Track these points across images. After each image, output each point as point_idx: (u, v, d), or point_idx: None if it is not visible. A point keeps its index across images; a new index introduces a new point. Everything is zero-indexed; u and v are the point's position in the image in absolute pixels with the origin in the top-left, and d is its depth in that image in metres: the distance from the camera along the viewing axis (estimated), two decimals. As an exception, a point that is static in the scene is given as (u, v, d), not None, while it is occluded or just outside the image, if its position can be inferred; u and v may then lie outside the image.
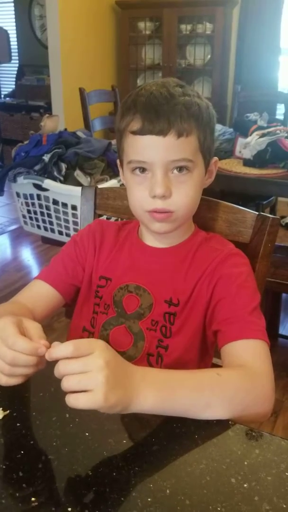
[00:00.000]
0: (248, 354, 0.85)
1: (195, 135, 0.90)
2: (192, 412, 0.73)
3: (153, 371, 0.75)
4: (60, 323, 2.65)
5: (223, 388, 0.75)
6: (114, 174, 2.50)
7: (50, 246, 3.29)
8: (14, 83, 5.99)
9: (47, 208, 2.48)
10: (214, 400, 0.74)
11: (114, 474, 0.63)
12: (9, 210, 4.50)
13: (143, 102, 0.89)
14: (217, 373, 0.77)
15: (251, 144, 2.45)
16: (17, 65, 5.96)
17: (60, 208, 2.41)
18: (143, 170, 0.92)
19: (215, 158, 1.00)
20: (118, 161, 1.03)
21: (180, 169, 0.90)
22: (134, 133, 0.90)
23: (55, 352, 0.65)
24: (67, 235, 2.48)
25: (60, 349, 0.65)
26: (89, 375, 0.63)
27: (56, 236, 2.56)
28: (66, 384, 0.64)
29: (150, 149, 0.89)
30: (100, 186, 2.32)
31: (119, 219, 1.22)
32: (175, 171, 0.90)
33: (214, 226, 1.09)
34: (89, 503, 0.59)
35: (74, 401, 0.63)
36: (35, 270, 3.50)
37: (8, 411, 0.74)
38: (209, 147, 0.94)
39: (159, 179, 0.89)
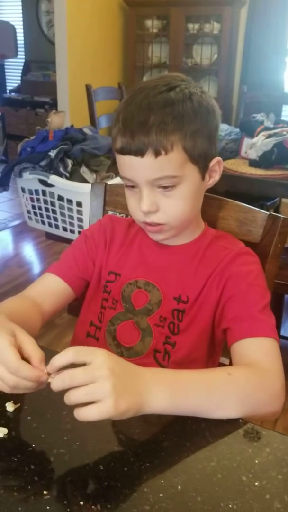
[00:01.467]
0: (258, 352, 0.85)
1: (179, 148, 0.86)
2: (203, 412, 0.73)
3: (163, 371, 0.75)
4: (62, 319, 2.65)
5: (233, 388, 0.75)
6: (120, 171, 2.50)
7: (53, 242, 3.29)
8: (20, 78, 5.98)
9: (52, 204, 2.49)
10: (225, 400, 0.74)
11: (126, 469, 0.63)
12: (12, 205, 4.50)
13: (123, 119, 0.87)
14: (228, 372, 0.77)
15: (257, 144, 2.46)
16: (23, 60, 5.95)
17: (65, 204, 2.41)
18: (132, 186, 0.92)
19: (217, 159, 0.95)
20: None
21: (165, 186, 0.88)
22: (117, 151, 0.90)
23: (56, 362, 0.65)
24: (72, 231, 2.49)
25: (60, 357, 0.64)
26: (95, 386, 0.63)
27: (60, 232, 2.57)
28: (73, 398, 0.63)
29: (131, 168, 0.88)
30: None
31: (128, 216, 1.22)
32: (160, 188, 0.89)
33: (224, 225, 1.09)
34: (100, 497, 0.59)
35: (84, 414, 0.63)
36: (37, 266, 3.50)
37: (19, 404, 0.74)
38: (204, 151, 0.90)
39: (144, 196, 0.89)
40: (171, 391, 0.71)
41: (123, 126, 0.87)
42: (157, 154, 0.85)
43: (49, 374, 0.66)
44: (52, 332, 2.55)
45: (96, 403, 0.62)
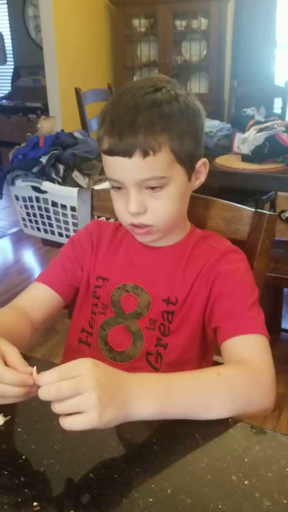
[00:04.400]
0: (248, 349, 0.85)
1: (166, 149, 0.86)
2: (193, 414, 0.73)
3: (150, 377, 0.74)
4: (64, 324, 2.65)
5: (223, 388, 0.75)
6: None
7: (51, 248, 3.29)
8: (10, 85, 5.99)
9: (47, 210, 2.49)
10: (215, 401, 0.74)
11: (116, 475, 0.64)
12: (9, 213, 4.51)
13: (110, 120, 0.87)
14: (217, 372, 0.77)
15: (249, 139, 2.45)
16: (13, 66, 5.96)
17: (60, 210, 2.42)
18: (119, 187, 0.91)
19: (203, 160, 0.96)
20: None
21: (153, 187, 0.88)
22: (104, 152, 0.89)
23: (41, 382, 0.64)
24: (67, 236, 2.49)
25: (45, 377, 0.64)
26: (81, 398, 0.62)
27: (56, 238, 2.57)
28: (58, 409, 0.63)
29: (119, 169, 0.88)
30: (98, 186, 2.33)
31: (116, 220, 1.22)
32: (148, 189, 0.89)
33: (211, 224, 1.09)
34: (91, 505, 0.60)
35: (69, 424, 0.63)
36: (37, 273, 3.50)
37: (9, 417, 0.74)
38: (191, 152, 0.90)
39: (132, 197, 0.89)
40: (159, 398, 0.71)
41: (110, 127, 0.87)
42: (145, 154, 0.85)
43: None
44: (53, 338, 2.56)
45: (81, 414, 0.63)
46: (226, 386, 0.76)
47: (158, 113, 0.85)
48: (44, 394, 0.63)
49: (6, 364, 0.68)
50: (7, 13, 5.87)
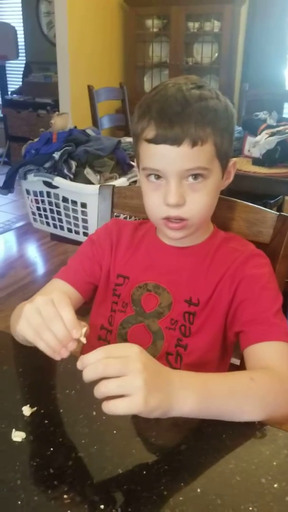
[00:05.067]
0: (274, 356, 0.85)
1: (211, 141, 0.87)
2: (227, 415, 0.73)
3: (190, 375, 0.74)
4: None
5: (256, 393, 0.76)
6: (123, 172, 2.50)
7: (57, 243, 3.30)
8: (21, 80, 5.98)
9: (57, 205, 2.49)
10: (248, 404, 0.75)
11: (145, 472, 0.64)
12: (16, 206, 4.51)
13: (157, 108, 0.87)
14: (250, 377, 0.77)
15: (260, 143, 2.45)
16: (24, 62, 5.95)
17: (70, 205, 2.42)
18: (157, 177, 0.91)
19: (234, 160, 0.98)
20: (135, 161, 1.03)
21: (195, 176, 0.88)
22: (148, 141, 0.88)
23: (86, 361, 0.65)
24: (76, 232, 2.49)
25: (90, 357, 0.65)
26: (127, 379, 0.63)
27: (65, 234, 2.57)
28: (104, 389, 0.63)
29: (164, 158, 0.87)
30: (109, 184, 2.33)
31: (137, 218, 1.22)
32: (190, 179, 0.89)
33: (234, 226, 1.09)
34: (121, 501, 0.60)
35: (114, 407, 0.62)
36: (42, 267, 3.51)
37: (36, 408, 0.74)
38: (226, 150, 0.92)
39: (173, 188, 0.88)
40: (198, 396, 0.71)
41: (158, 116, 0.86)
42: (193, 144, 0.85)
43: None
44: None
45: (126, 397, 0.62)
46: (258, 391, 0.76)
47: (206, 106, 0.86)
48: (91, 370, 0.63)
49: None
50: (20, 8, 5.86)
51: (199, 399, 0.70)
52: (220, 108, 0.89)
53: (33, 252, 3.73)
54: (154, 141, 0.87)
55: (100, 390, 0.63)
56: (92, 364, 0.64)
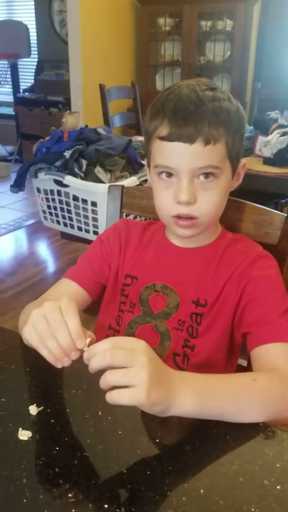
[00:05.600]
0: (280, 358, 0.85)
1: (223, 141, 0.89)
2: (228, 416, 0.73)
3: (191, 375, 0.75)
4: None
5: (258, 394, 0.76)
6: (134, 171, 2.51)
7: (67, 241, 3.31)
8: (33, 78, 6.00)
9: (67, 204, 2.50)
10: (250, 406, 0.75)
11: (149, 472, 0.64)
12: (26, 204, 4.53)
13: (171, 107, 0.88)
14: (253, 378, 0.77)
15: (271, 142, 2.45)
16: (36, 60, 5.97)
17: (80, 204, 2.43)
18: (169, 175, 0.92)
19: (244, 161, 0.99)
20: (146, 160, 1.03)
21: (206, 175, 0.90)
22: (162, 139, 0.89)
23: (94, 349, 0.66)
24: (87, 231, 2.50)
25: (98, 346, 0.66)
26: (132, 371, 0.64)
27: (75, 232, 2.58)
28: (109, 378, 0.64)
29: (176, 155, 0.89)
30: (120, 182, 2.34)
31: (146, 218, 1.22)
32: (201, 177, 0.90)
33: (242, 227, 1.10)
34: (125, 500, 0.60)
35: (117, 396, 0.64)
36: (52, 265, 3.52)
37: (42, 407, 0.75)
38: (237, 151, 0.93)
39: (185, 186, 0.89)
40: (199, 395, 0.72)
41: (173, 114, 0.88)
42: (206, 142, 0.87)
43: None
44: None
45: (130, 388, 0.64)
46: (261, 392, 0.76)
47: (219, 107, 0.88)
48: (98, 358, 0.65)
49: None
50: (33, 7, 5.89)
51: (199, 398, 0.71)
52: (232, 109, 0.91)
53: (43, 250, 3.75)
54: (168, 138, 0.88)
55: (106, 379, 0.65)
56: (100, 353, 0.65)
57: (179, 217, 0.92)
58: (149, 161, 0.98)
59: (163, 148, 0.90)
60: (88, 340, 0.69)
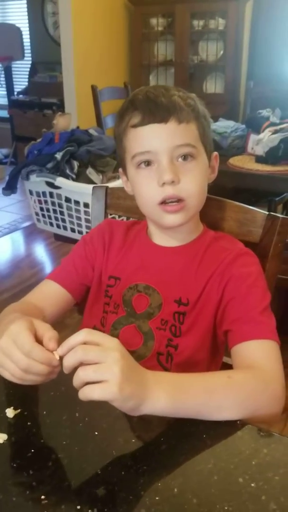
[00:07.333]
0: (259, 355, 0.85)
1: (194, 124, 0.93)
2: (203, 414, 0.73)
3: (164, 373, 0.76)
4: (73, 319, 2.66)
5: (234, 391, 0.76)
6: (126, 171, 2.50)
7: (63, 243, 3.30)
8: (27, 80, 6.00)
9: (60, 205, 2.50)
10: (225, 402, 0.75)
11: (123, 473, 0.64)
12: (22, 207, 4.53)
13: (140, 99, 0.92)
14: (228, 375, 0.77)
15: (263, 140, 2.44)
16: (30, 62, 5.97)
17: (73, 205, 2.42)
18: (148, 163, 0.92)
19: (215, 153, 1.01)
20: (120, 170, 1.04)
21: (185, 157, 0.92)
22: (135, 126, 0.91)
23: (69, 342, 0.67)
24: (80, 232, 2.50)
25: (72, 338, 0.67)
26: (104, 366, 0.64)
27: (68, 234, 2.58)
28: (81, 373, 0.64)
29: (153, 137, 0.91)
30: (112, 183, 2.33)
31: (130, 219, 1.22)
32: (180, 159, 0.91)
33: (224, 225, 1.10)
34: (98, 501, 0.60)
35: (89, 391, 0.64)
36: (48, 267, 3.52)
37: (19, 410, 0.75)
38: (209, 139, 0.97)
39: (166, 165, 0.90)
40: (172, 393, 0.71)
41: (143, 102, 0.91)
42: (180, 121, 0.90)
43: (60, 358, 0.67)
44: (62, 332, 2.53)
45: (103, 382, 0.64)
46: (236, 389, 0.76)
47: (185, 95, 0.94)
48: (70, 356, 0.65)
49: (38, 340, 0.69)
50: (26, 9, 5.89)
51: (173, 395, 0.71)
52: (197, 101, 0.96)
53: (39, 252, 3.75)
54: (141, 123, 0.91)
55: (78, 374, 0.65)
56: (71, 351, 0.65)
57: (165, 203, 0.92)
58: (124, 162, 0.99)
59: (138, 134, 0.92)
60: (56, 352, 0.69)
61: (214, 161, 1.01)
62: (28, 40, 5.85)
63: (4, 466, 0.65)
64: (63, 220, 2.55)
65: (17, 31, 5.56)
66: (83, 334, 0.67)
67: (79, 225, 2.47)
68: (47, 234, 3.66)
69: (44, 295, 1.04)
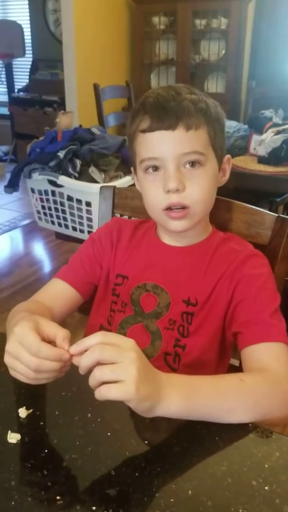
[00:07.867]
0: (270, 357, 0.85)
1: (205, 129, 0.91)
2: (215, 417, 0.73)
3: (176, 375, 0.75)
4: (73, 318, 2.65)
5: (245, 394, 0.76)
6: (129, 170, 2.51)
7: (63, 241, 3.30)
8: (28, 77, 5.99)
9: (62, 204, 2.50)
10: (237, 405, 0.75)
11: (137, 474, 0.64)
12: (22, 204, 4.52)
13: (150, 102, 0.91)
14: (240, 378, 0.77)
15: (266, 141, 2.45)
16: (31, 59, 5.96)
17: (75, 204, 2.43)
18: (155, 168, 0.93)
19: (228, 156, 1.00)
20: (132, 169, 1.04)
21: (192, 164, 0.91)
22: (144, 131, 0.91)
23: (83, 343, 0.66)
24: (81, 231, 2.50)
25: (87, 339, 0.66)
26: (121, 366, 0.64)
27: (70, 232, 2.58)
28: (98, 373, 0.64)
29: (160, 144, 0.90)
30: (114, 182, 2.34)
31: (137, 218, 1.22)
32: (188, 166, 0.91)
33: (232, 227, 1.10)
34: (113, 502, 0.60)
35: (106, 391, 0.64)
36: (47, 265, 3.52)
37: (32, 410, 0.75)
38: (220, 143, 0.95)
39: (172, 173, 0.90)
40: (185, 395, 0.72)
41: (153, 107, 0.91)
42: (188, 128, 0.89)
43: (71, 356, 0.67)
44: (63, 331, 2.56)
45: (119, 382, 0.64)
46: (248, 392, 0.76)
47: (197, 98, 0.92)
48: (88, 355, 0.65)
49: (46, 339, 0.69)
50: (27, 6, 5.87)
51: (185, 398, 0.71)
52: (210, 103, 0.94)
53: (39, 250, 3.75)
54: (150, 129, 0.90)
55: (95, 374, 0.65)
56: (89, 351, 0.65)
57: (170, 209, 0.93)
58: (134, 163, 0.99)
59: (146, 139, 0.92)
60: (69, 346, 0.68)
61: (226, 164, 1.00)
62: (29, 37, 5.83)
63: (18, 466, 0.65)
64: (65, 219, 2.55)
65: (18, 28, 5.55)
66: (99, 337, 0.66)
67: (81, 224, 2.48)
68: (47, 232, 3.66)
69: (52, 294, 1.04)
